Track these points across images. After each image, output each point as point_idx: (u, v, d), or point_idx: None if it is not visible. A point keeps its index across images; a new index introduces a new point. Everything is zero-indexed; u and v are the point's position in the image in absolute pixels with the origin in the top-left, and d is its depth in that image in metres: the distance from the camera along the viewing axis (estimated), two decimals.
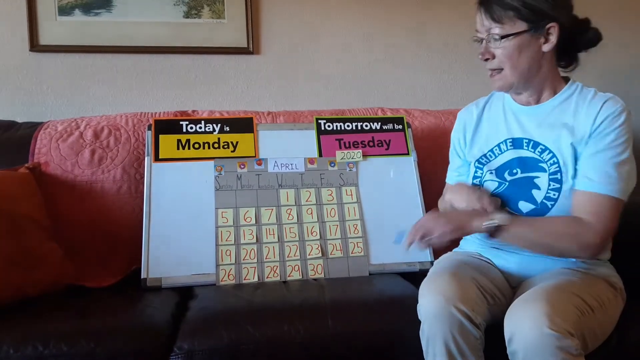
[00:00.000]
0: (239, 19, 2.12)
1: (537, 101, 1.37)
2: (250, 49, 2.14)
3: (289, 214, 1.65)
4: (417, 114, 1.96)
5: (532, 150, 1.35)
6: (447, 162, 1.56)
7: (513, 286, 1.34)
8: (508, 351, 1.11)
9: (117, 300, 1.48)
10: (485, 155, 1.42)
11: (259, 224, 1.62)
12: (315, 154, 1.76)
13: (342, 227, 1.66)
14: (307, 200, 1.67)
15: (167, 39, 2.09)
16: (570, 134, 1.29)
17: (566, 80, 1.37)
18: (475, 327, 1.14)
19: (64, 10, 2.02)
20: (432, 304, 1.16)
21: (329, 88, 2.21)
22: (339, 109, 1.97)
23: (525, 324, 1.08)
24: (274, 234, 1.62)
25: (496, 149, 1.40)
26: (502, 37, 1.28)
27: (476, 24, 1.34)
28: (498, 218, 1.24)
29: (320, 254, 1.58)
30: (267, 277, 1.56)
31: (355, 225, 1.67)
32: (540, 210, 1.31)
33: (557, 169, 1.30)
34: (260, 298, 1.42)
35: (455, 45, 2.28)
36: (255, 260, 1.58)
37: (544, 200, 1.31)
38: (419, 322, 1.20)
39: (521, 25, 1.27)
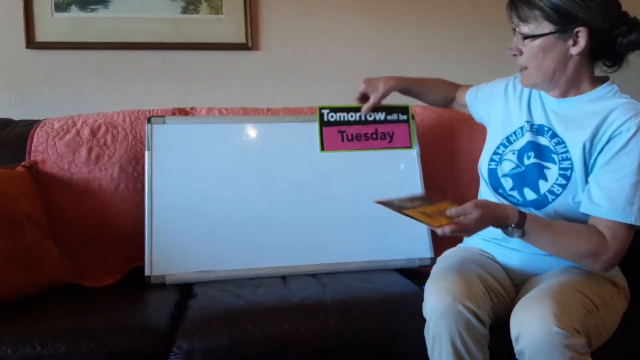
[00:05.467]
0: (237, 14, 2.11)
1: (562, 96, 1.34)
2: (248, 44, 2.13)
3: None
4: (419, 110, 1.94)
5: (549, 139, 1.33)
6: (449, 159, 1.55)
7: (515, 284, 1.34)
8: (515, 350, 1.11)
9: (115, 299, 1.48)
10: (508, 137, 1.40)
11: None
12: (317, 148, 1.72)
13: None
14: None
15: (164, 35, 2.07)
16: (586, 134, 1.26)
17: (602, 80, 1.32)
18: (482, 324, 1.14)
19: (60, 7, 2.01)
20: (438, 302, 1.15)
21: (328, 84, 2.20)
22: None
23: (532, 323, 1.07)
24: None
25: (518, 131, 1.39)
26: (526, 37, 1.26)
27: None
28: (516, 233, 1.20)
29: None
30: None
31: None
32: (541, 202, 1.30)
33: (569, 165, 1.28)
34: (260, 297, 1.41)
35: (456, 40, 2.27)
36: None
37: (546, 193, 1.30)
38: (421, 319, 1.19)
39: (547, 27, 1.23)
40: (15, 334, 1.19)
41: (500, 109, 1.47)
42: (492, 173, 1.40)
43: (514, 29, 1.30)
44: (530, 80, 1.33)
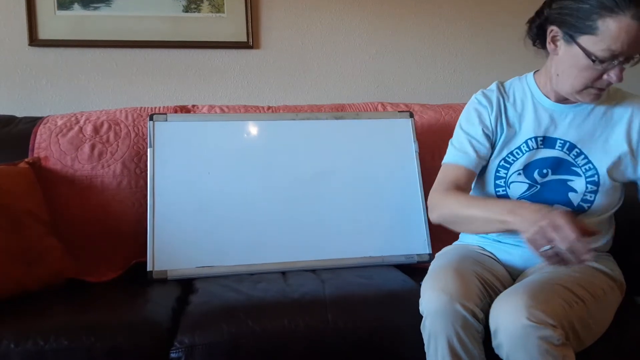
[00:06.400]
0: (238, 13, 2.11)
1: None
2: (250, 43, 2.13)
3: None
4: (417, 108, 1.95)
5: (567, 152, 1.32)
6: None
7: (515, 279, 1.34)
8: (493, 344, 1.12)
9: (117, 294, 1.48)
10: (512, 152, 1.35)
11: None
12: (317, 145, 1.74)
13: None
14: None
15: (166, 33, 2.08)
16: (622, 131, 1.29)
17: None
18: (477, 321, 1.14)
19: (63, 5, 2.02)
20: (435, 301, 1.15)
21: (328, 82, 2.21)
22: (339, 104, 1.96)
23: (506, 317, 1.08)
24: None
25: (523, 146, 1.34)
26: None
27: (627, 43, 1.15)
28: None
29: None
30: None
31: None
32: (577, 212, 1.30)
33: (595, 172, 1.29)
34: (260, 292, 1.42)
35: (459, 37, 2.27)
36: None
37: (580, 203, 1.30)
38: (419, 315, 1.20)
39: None
40: (17, 329, 1.20)
41: (498, 133, 1.37)
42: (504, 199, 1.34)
43: (624, 59, 1.18)
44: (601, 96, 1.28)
